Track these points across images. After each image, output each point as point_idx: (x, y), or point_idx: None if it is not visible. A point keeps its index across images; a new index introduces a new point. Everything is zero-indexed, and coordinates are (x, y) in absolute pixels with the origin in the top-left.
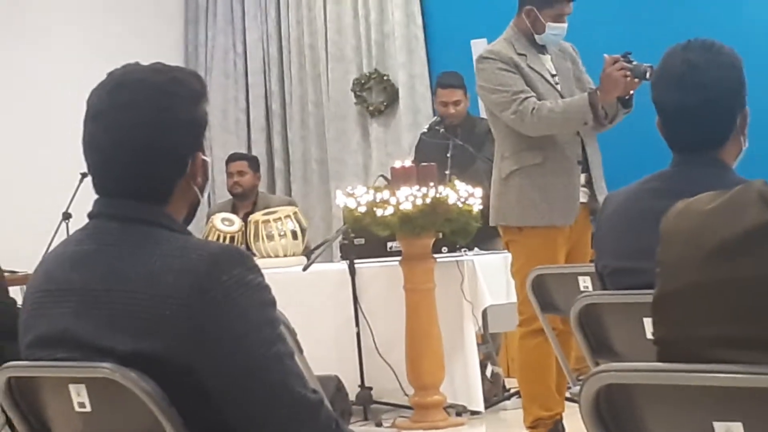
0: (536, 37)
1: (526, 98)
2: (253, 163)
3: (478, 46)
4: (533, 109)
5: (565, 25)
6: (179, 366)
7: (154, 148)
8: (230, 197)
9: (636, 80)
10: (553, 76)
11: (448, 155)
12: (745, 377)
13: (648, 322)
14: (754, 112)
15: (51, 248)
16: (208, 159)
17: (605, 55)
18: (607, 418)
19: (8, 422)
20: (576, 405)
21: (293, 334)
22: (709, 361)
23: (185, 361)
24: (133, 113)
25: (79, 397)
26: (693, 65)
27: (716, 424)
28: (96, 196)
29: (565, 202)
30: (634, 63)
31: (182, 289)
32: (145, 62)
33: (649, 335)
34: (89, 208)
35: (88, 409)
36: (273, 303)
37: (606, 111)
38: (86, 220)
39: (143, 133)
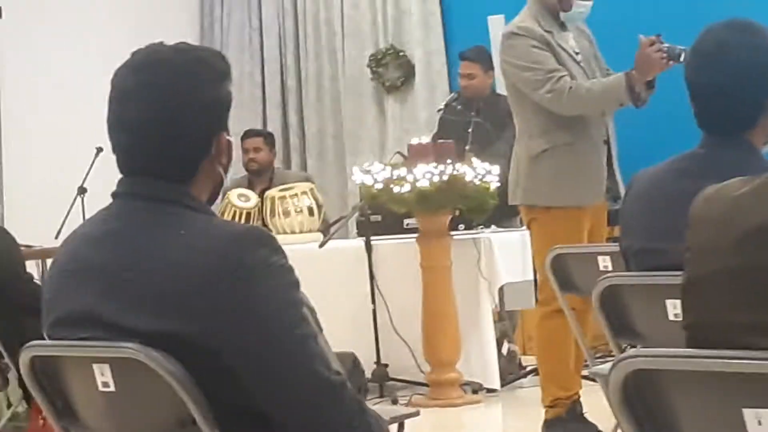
0: (561, 14)
1: (561, 77)
2: (269, 139)
3: (495, 23)
4: (570, 88)
5: (591, 2)
6: (204, 346)
7: (179, 127)
8: (246, 173)
9: (671, 62)
10: (576, 54)
11: (469, 131)
12: None
13: (671, 304)
14: None
15: (66, 222)
16: (232, 139)
17: (641, 36)
18: (636, 403)
19: (25, 397)
20: (592, 384)
21: (314, 313)
22: (741, 347)
23: (210, 342)
24: (159, 93)
25: (103, 376)
26: (725, 45)
27: (745, 411)
28: (117, 175)
29: (594, 182)
30: (667, 45)
31: (207, 269)
32: (161, 37)
33: (672, 317)
34: (105, 183)
35: (112, 389)
36: (297, 284)
37: (640, 92)
38: (101, 195)
39: (169, 113)
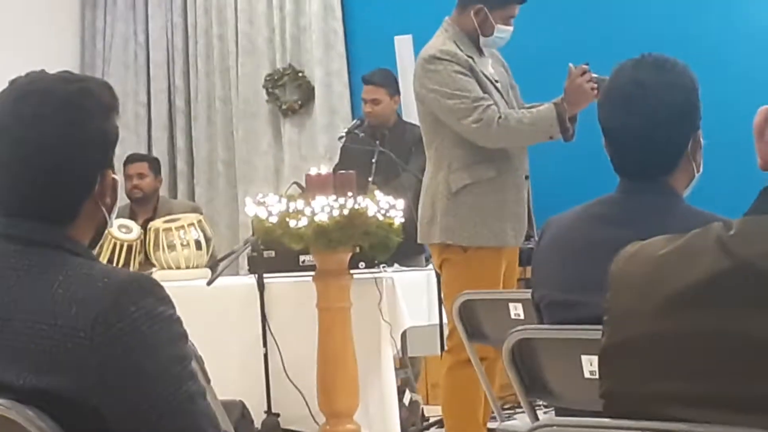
0: (481, 39)
1: (489, 106)
2: (154, 164)
3: (403, 43)
4: (499, 117)
5: (512, 28)
6: (82, 405)
7: (59, 165)
8: (128, 202)
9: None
10: (495, 81)
11: (373, 161)
12: None
13: (587, 360)
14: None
15: None
16: (117, 177)
17: (571, 65)
18: None
19: None
20: None
21: (201, 362)
22: (659, 418)
23: (89, 400)
24: (37, 127)
25: None
26: (640, 85)
27: None
28: None
29: (517, 221)
30: (596, 75)
31: (86, 321)
32: (36, 50)
33: (588, 374)
34: None
35: None
36: (185, 336)
37: (569, 125)
38: None
39: (47, 150)
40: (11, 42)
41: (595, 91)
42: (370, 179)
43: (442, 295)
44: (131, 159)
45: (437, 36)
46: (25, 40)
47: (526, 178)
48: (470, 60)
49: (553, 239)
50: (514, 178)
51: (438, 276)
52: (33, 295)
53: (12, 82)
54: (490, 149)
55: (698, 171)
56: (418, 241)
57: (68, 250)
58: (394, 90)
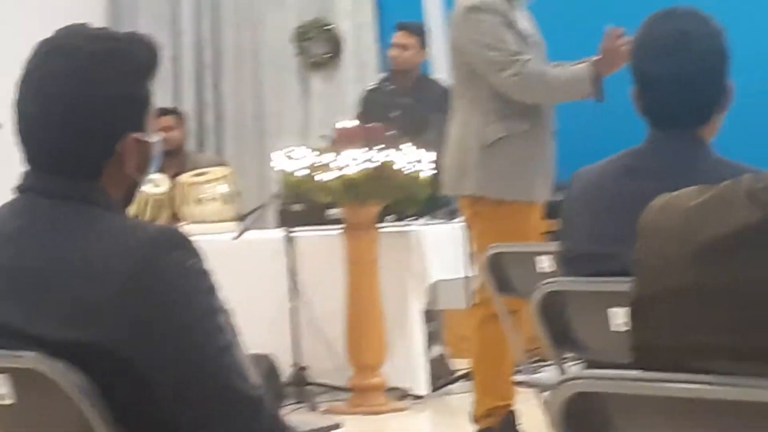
0: None
1: (527, 60)
2: (179, 117)
3: None
4: (538, 73)
5: None
6: (114, 358)
7: (75, 123)
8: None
9: None
10: (529, 37)
11: (393, 115)
12: (747, 390)
13: (613, 313)
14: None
15: None
16: (149, 139)
17: (607, 27)
18: (579, 426)
19: None
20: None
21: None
22: (692, 370)
23: (121, 353)
24: (60, 83)
25: (2, 387)
26: (686, 33)
27: None
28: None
29: (546, 176)
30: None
31: (118, 274)
32: (66, 3)
33: (614, 326)
34: (5, 162)
35: (11, 401)
36: (216, 289)
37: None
38: (2, 175)
39: (66, 106)
40: None
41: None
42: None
43: (474, 249)
44: (157, 113)
45: None
46: None
47: (553, 133)
48: (509, 13)
49: (581, 192)
50: (544, 133)
51: (467, 228)
52: (66, 249)
53: (55, 33)
54: (523, 104)
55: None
56: (444, 192)
57: (100, 204)
58: (424, 43)
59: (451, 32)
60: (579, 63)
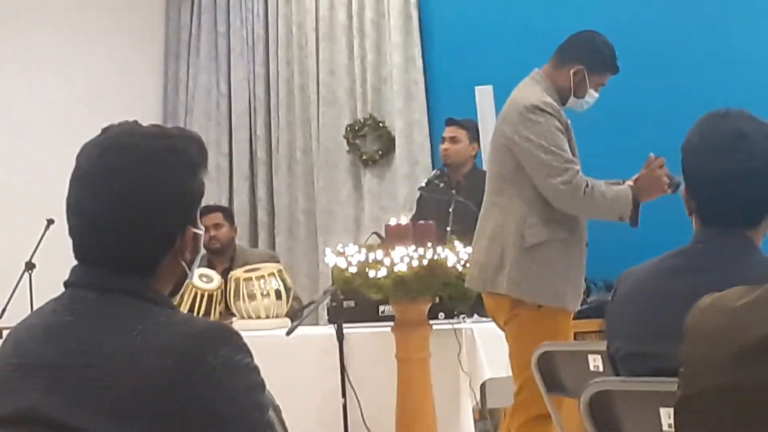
0: (572, 99)
1: (578, 171)
2: (228, 214)
3: (483, 93)
4: (587, 185)
5: (597, 96)
6: None
7: (141, 220)
8: (204, 252)
9: (669, 190)
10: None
11: (450, 210)
12: None
13: (665, 412)
14: None
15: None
16: (200, 232)
17: (651, 155)
18: None
19: None
20: None
21: (278, 412)
22: None
23: None
24: (123, 181)
25: None
26: (743, 134)
27: None
28: (69, 250)
29: (578, 286)
30: (670, 173)
31: (164, 369)
32: (123, 101)
33: (666, 427)
34: (55, 257)
35: None
36: (262, 385)
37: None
38: (51, 271)
39: (130, 204)
40: (96, 92)
41: (668, 187)
42: (448, 228)
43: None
44: (206, 210)
45: (530, 86)
46: (110, 91)
47: (586, 245)
48: (563, 117)
49: (627, 291)
50: (580, 243)
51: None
52: (111, 343)
53: (104, 131)
54: (564, 212)
55: None
56: (471, 286)
57: (148, 298)
58: (474, 136)
59: (502, 127)
60: (616, 182)
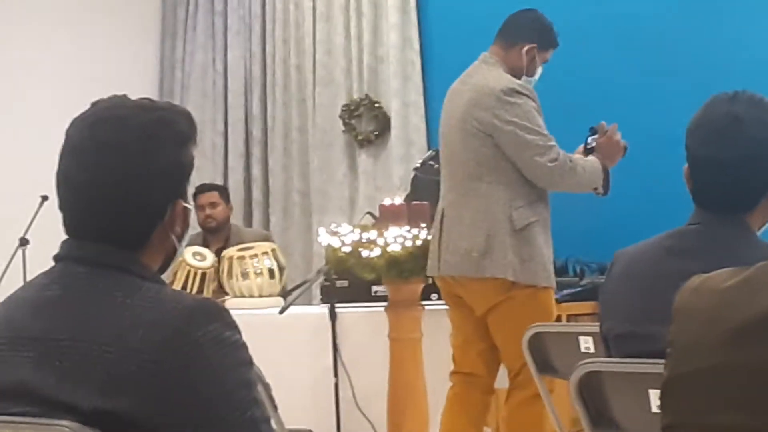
0: (523, 78)
1: (558, 148)
2: (224, 193)
3: None
4: (570, 161)
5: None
6: (146, 427)
7: (130, 193)
8: (200, 231)
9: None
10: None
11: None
12: None
13: (654, 394)
14: None
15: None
16: (190, 206)
17: (603, 123)
18: None
19: None
20: None
21: (268, 389)
22: None
23: (152, 423)
24: (112, 154)
25: None
26: (737, 119)
27: None
28: (62, 227)
29: (551, 263)
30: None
31: (152, 344)
32: (117, 78)
33: (655, 408)
34: (49, 233)
35: None
36: (250, 362)
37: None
38: (45, 247)
39: (120, 177)
40: (92, 71)
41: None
42: None
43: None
44: (202, 189)
45: (490, 70)
46: (106, 69)
47: None
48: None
49: (621, 272)
50: (549, 221)
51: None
52: (100, 317)
53: (94, 104)
54: (543, 190)
55: None
56: (458, 273)
57: (137, 273)
58: None
59: (473, 112)
60: (577, 153)
